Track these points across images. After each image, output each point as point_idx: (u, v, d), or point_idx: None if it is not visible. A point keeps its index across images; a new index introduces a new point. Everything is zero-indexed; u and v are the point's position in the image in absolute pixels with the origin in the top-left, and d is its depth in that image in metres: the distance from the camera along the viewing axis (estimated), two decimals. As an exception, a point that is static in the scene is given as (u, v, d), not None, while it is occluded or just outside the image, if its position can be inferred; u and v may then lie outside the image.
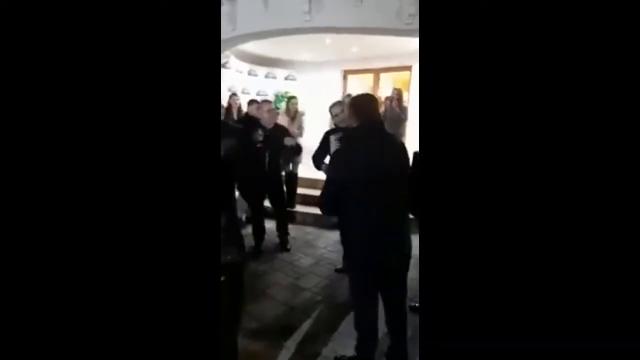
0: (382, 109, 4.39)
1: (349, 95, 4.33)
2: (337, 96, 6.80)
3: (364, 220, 1.51)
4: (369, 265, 1.55)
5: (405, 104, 4.44)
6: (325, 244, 3.47)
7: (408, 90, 5.79)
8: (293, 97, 4.05)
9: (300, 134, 3.86)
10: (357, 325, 1.70)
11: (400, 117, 4.21)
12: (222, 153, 1.10)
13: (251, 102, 3.37)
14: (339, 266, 2.89)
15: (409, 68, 6.06)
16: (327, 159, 2.61)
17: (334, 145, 2.50)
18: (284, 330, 2.10)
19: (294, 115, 3.95)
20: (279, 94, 6.52)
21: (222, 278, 1.15)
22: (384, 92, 6.53)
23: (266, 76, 6.66)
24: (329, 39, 5.28)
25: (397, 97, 4.25)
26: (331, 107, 2.62)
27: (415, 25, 3.62)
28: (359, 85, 6.74)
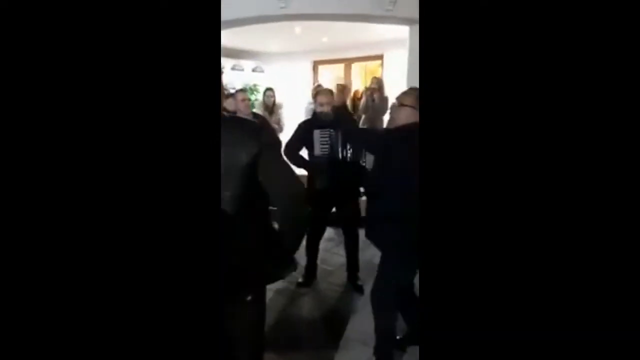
0: (362, 100, 4.27)
1: (319, 85, 4.18)
2: (308, 88, 6.65)
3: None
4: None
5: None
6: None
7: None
8: (269, 89, 3.83)
9: (281, 129, 3.65)
10: (379, 329, 1.67)
11: (382, 108, 4.11)
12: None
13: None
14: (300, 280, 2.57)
15: (380, 57, 6.01)
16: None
17: (318, 142, 2.29)
18: (288, 339, 1.96)
19: (272, 108, 3.73)
20: (247, 87, 6.23)
21: (249, 298, 1.00)
22: (354, 83, 6.46)
23: (232, 68, 6.33)
24: (299, 28, 5.08)
25: (378, 87, 4.15)
26: (315, 96, 2.35)
27: (396, 12, 3.53)
28: (330, 76, 6.61)
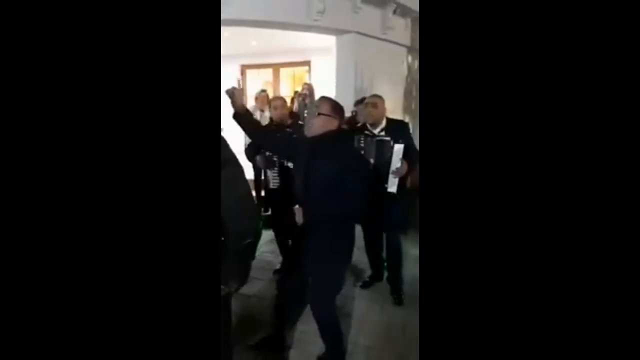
0: (294, 105, 4.40)
1: (264, 90, 4.22)
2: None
3: None
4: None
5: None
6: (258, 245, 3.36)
7: (308, 85, 5.93)
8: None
9: (215, 134, 3.62)
10: (328, 337, 1.69)
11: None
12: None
13: None
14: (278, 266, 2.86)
15: (307, 63, 6.21)
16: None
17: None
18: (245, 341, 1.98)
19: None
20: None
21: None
22: (283, 88, 6.57)
23: (154, 70, 5.97)
24: (226, 32, 5.01)
25: (309, 92, 4.31)
26: (270, 101, 2.66)
27: (323, 22, 3.73)
28: (258, 80, 6.62)
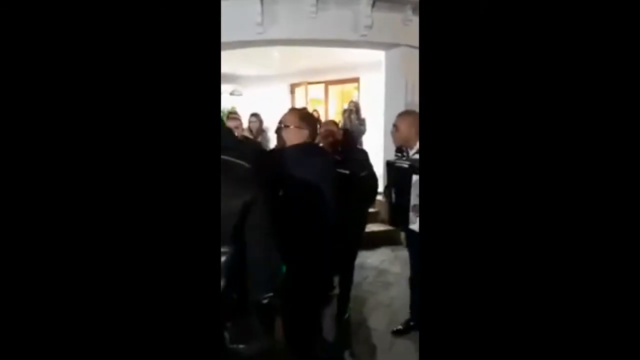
0: (341, 122, 4.35)
1: (303, 108, 4.23)
2: (286, 110, 6.70)
3: None
4: None
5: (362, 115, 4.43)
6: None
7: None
8: (254, 114, 3.86)
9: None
10: None
11: (359, 129, 4.22)
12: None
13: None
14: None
15: (356, 80, 6.17)
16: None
17: None
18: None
19: (258, 133, 3.75)
20: (226, 111, 6.22)
21: None
22: (332, 104, 6.59)
23: (210, 92, 6.32)
24: (277, 52, 5.15)
25: (355, 109, 4.26)
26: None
27: (371, 37, 3.64)
28: (307, 98, 6.70)
